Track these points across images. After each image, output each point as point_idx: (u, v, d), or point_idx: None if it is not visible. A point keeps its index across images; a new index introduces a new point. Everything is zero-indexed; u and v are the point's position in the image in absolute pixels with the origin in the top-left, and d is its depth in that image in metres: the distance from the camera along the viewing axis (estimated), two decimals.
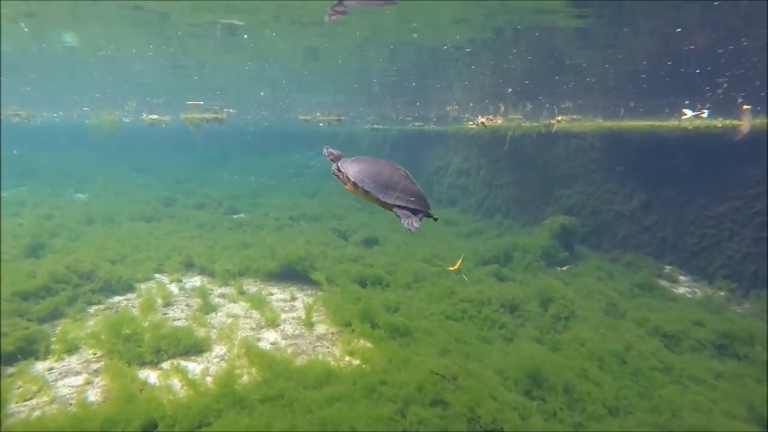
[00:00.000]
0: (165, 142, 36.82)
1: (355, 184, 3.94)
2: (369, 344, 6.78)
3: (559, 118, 11.53)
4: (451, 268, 8.73)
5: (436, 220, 4.06)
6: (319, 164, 29.01)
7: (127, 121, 21.66)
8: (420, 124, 22.00)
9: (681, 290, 9.74)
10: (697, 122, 9.69)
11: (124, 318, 6.44)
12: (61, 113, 27.27)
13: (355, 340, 6.84)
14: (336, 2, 10.15)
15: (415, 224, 3.74)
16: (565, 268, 10.53)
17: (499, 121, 11.92)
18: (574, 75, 11.81)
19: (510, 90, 13.05)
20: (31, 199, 16.05)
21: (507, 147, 13.93)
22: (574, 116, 12.12)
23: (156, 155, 32.65)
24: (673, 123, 10.24)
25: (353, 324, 7.10)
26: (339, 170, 4.17)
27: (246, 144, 38.36)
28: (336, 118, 16.65)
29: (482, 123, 11.90)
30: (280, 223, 13.30)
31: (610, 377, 5.70)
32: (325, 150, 4.33)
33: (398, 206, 3.86)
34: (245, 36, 10.69)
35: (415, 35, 10.56)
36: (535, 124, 12.98)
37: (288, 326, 7.54)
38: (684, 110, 10.03)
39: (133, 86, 18.96)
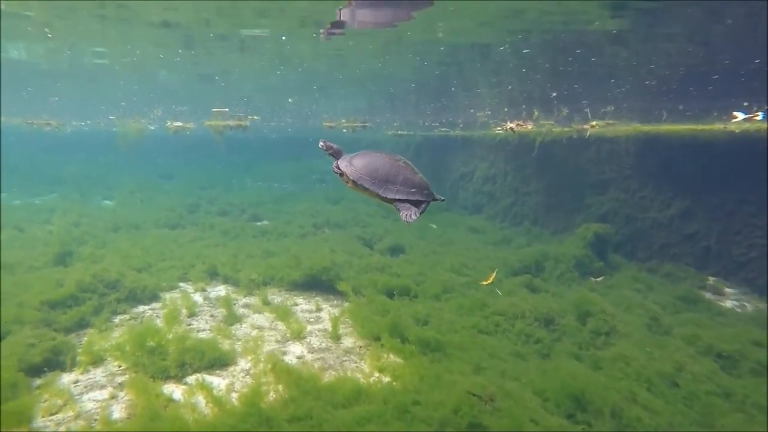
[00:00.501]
0: (190, 148, 37.30)
1: (354, 182, 3.87)
2: (399, 360, 6.50)
3: (594, 123, 11.06)
4: (484, 283, 8.36)
5: (443, 200, 4.05)
6: None
7: (153, 128, 21.99)
8: (446, 129, 21.63)
9: (728, 304, 9.15)
10: (746, 125, 9.11)
11: (149, 330, 6.32)
12: (89, 122, 27.88)
13: (385, 355, 6.57)
14: (332, 22, 9.97)
15: (413, 216, 3.70)
16: (600, 278, 10.05)
17: (530, 126, 11.50)
18: (616, 78, 11.29)
19: (555, 94, 12.54)
20: (61, 206, 16.33)
21: (536, 153, 13.49)
22: (610, 121, 11.59)
23: (181, 162, 33.14)
24: (718, 126, 9.67)
25: (382, 338, 6.83)
26: (339, 168, 4.07)
27: (269, 150, 38.54)
28: (361, 124, 16.50)
29: (511, 128, 11.51)
30: (304, 231, 13.15)
31: (661, 401, 5.27)
32: (321, 144, 4.19)
33: (399, 200, 3.81)
34: (283, 38, 10.49)
35: (441, 34, 10.31)
36: (566, 129, 12.52)
37: (314, 339, 7.31)
38: (735, 113, 9.46)
39: (158, 94, 19.17)
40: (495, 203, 16.85)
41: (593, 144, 12.80)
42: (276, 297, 9.00)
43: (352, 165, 3.95)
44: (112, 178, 23.93)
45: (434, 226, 15.22)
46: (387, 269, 10.01)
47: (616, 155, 12.30)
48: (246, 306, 8.51)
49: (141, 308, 8.17)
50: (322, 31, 10.87)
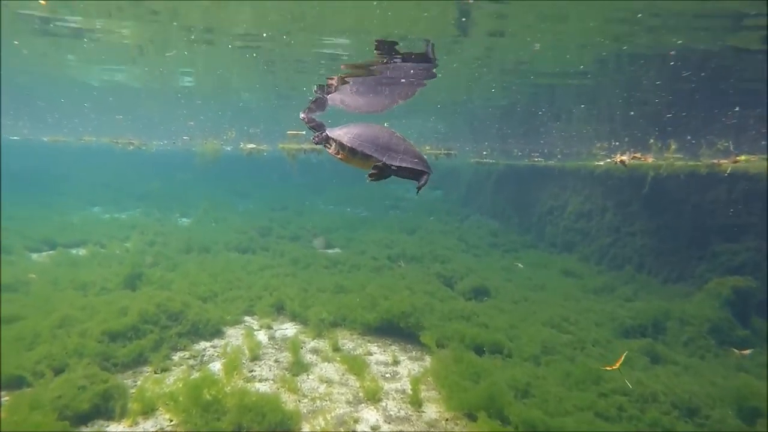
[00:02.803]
0: (266, 168, 38.22)
1: (352, 150, 3.74)
2: None
3: (742, 157, 9.10)
4: (609, 368, 6.71)
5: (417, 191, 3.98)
6: (417, 197, 27.88)
7: (228, 149, 22.48)
8: (540, 159, 19.90)
9: None
10: None
11: (206, 381, 5.45)
12: (165, 142, 28.97)
13: None
14: (314, 100, 9.35)
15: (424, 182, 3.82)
16: (747, 351, 7.98)
17: (650, 159, 9.77)
18: None
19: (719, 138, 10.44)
20: (142, 223, 16.69)
21: (647, 189, 11.60)
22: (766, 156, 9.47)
23: (257, 181, 33.88)
24: None
25: (477, 416, 5.49)
26: (328, 138, 3.96)
27: (343, 173, 38.56)
28: (445, 152, 15.34)
29: (621, 161, 9.87)
30: (378, 264, 12.10)
31: None
32: (303, 115, 4.18)
33: (403, 168, 3.73)
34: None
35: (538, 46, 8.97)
36: (692, 162, 10.54)
37: (391, 403, 6.12)
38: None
39: (232, 115, 19.22)
40: (589, 242, 14.90)
41: (723, 181, 10.71)
42: (347, 342, 7.95)
43: (348, 133, 3.81)
44: (190, 196, 24.66)
45: (520, 265, 13.63)
46: (473, 317, 8.67)
47: (756, 196, 10.14)
48: (314, 351, 7.52)
49: (202, 345, 7.46)
50: (302, 113, 10.49)
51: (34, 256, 12.34)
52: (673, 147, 9.29)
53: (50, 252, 12.62)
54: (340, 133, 3.91)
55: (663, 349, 7.88)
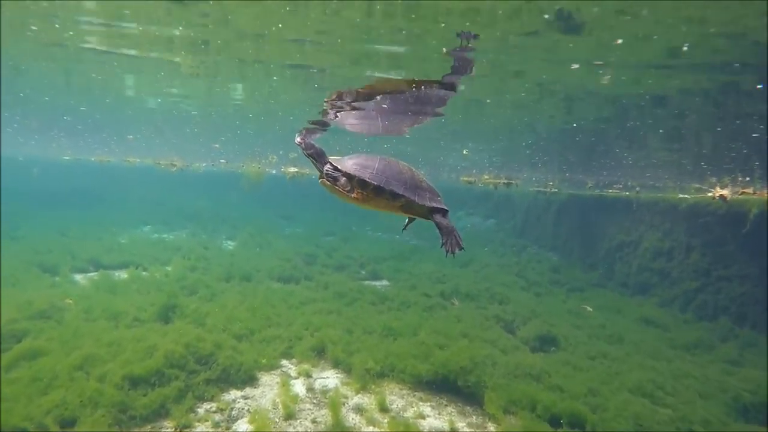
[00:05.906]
0: (313, 191, 38.25)
1: (378, 189, 3.17)
2: None
3: None
4: None
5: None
6: (469, 225, 26.52)
7: (273, 172, 22.21)
8: (618, 190, 18.08)
9: None
10: None
11: None
12: (205, 164, 29.21)
13: None
14: (315, 122, 8.21)
15: (458, 248, 3.27)
16: None
17: (766, 194, 8.21)
18: None
19: None
20: (187, 245, 16.40)
21: (748, 227, 9.86)
22: None
23: (305, 204, 33.71)
24: None
25: None
26: (339, 170, 3.25)
27: None
28: (505, 181, 14.11)
29: (721, 196, 8.34)
30: (431, 302, 10.92)
31: None
32: (299, 139, 3.40)
33: (434, 208, 3.35)
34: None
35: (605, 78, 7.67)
36: None
37: None
38: None
39: (272, 140, 18.79)
40: (670, 285, 13.04)
41: None
42: (395, 398, 6.82)
43: (366, 167, 3.20)
44: (238, 218, 24.53)
45: (589, 309, 12.03)
46: (544, 377, 7.34)
47: None
48: (357, 410, 6.44)
49: (232, 394, 6.57)
50: (298, 136, 9.47)
51: (78, 277, 12.14)
52: None
53: (94, 274, 12.39)
54: (354, 167, 3.17)
55: None
